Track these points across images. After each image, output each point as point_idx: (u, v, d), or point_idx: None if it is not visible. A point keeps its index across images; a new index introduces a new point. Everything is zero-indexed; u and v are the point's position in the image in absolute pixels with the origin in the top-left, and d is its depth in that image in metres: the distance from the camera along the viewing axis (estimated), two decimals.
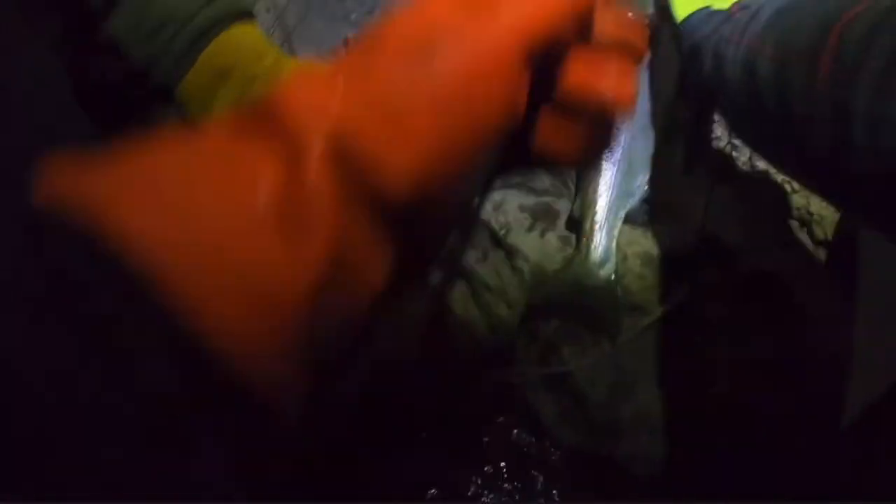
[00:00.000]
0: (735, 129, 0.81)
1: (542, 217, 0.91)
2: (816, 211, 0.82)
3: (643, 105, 0.86)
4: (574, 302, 0.87)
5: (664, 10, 0.82)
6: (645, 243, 0.87)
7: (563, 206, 0.91)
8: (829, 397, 0.76)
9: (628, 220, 0.87)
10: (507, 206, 0.92)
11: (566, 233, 0.89)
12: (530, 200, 0.92)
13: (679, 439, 0.87)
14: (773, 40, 0.55)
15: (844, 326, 0.72)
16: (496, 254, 0.93)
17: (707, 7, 0.75)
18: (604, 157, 0.85)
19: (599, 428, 0.90)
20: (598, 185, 0.86)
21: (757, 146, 0.71)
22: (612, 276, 0.85)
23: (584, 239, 0.86)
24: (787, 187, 0.86)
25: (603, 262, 0.85)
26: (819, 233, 0.82)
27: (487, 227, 0.94)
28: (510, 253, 0.91)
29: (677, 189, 0.88)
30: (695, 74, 0.75)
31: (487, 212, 0.94)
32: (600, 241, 0.85)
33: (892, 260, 0.70)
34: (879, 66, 0.41)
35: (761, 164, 0.88)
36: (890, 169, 0.41)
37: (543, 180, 0.92)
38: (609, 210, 0.86)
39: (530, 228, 0.91)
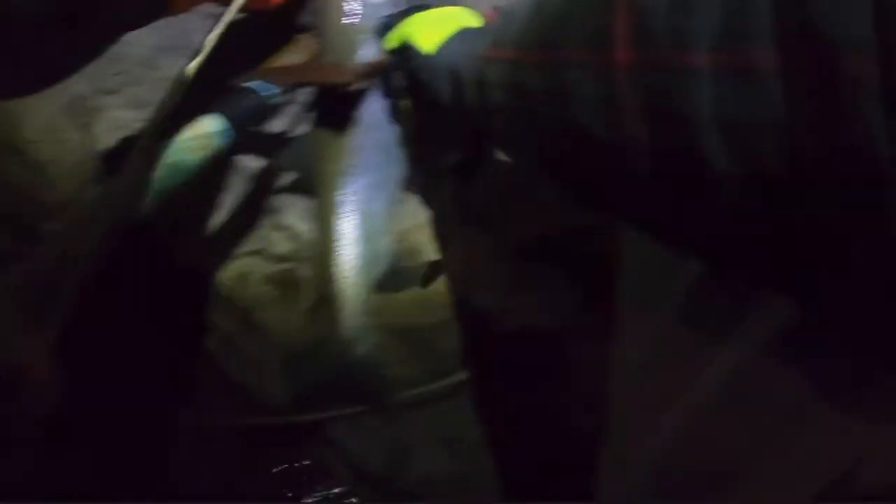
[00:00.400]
0: (522, 166, 0.67)
1: (286, 287, 0.83)
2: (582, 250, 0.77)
3: (377, 158, 0.78)
4: (338, 381, 0.80)
5: (403, 52, 0.70)
6: (396, 312, 0.81)
7: (306, 272, 0.83)
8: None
9: (379, 287, 0.79)
10: (250, 279, 0.83)
11: (311, 305, 0.81)
12: (272, 269, 0.84)
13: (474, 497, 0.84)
14: (536, 40, 0.39)
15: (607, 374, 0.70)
16: (248, 330, 0.85)
17: (465, 28, 0.60)
18: (337, 221, 0.77)
19: (392, 493, 0.85)
20: (338, 253, 0.77)
21: (557, 185, 0.50)
22: (371, 352, 0.78)
23: (333, 317, 0.77)
24: (547, 228, 0.79)
25: (358, 339, 0.77)
26: (586, 272, 0.77)
27: (233, 302, 0.84)
28: (259, 329, 0.83)
29: (470, 258, 0.81)
30: (456, 109, 0.58)
31: (231, 285, 0.85)
32: (351, 316, 0.77)
33: (649, 304, 0.66)
34: (719, 34, 0.25)
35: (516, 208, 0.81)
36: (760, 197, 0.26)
37: (283, 245, 0.83)
38: (355, 280, 0.77)
39: (275, 301, 0.82)
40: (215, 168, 0.72)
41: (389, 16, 0.72)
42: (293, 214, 0.82)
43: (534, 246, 0.76)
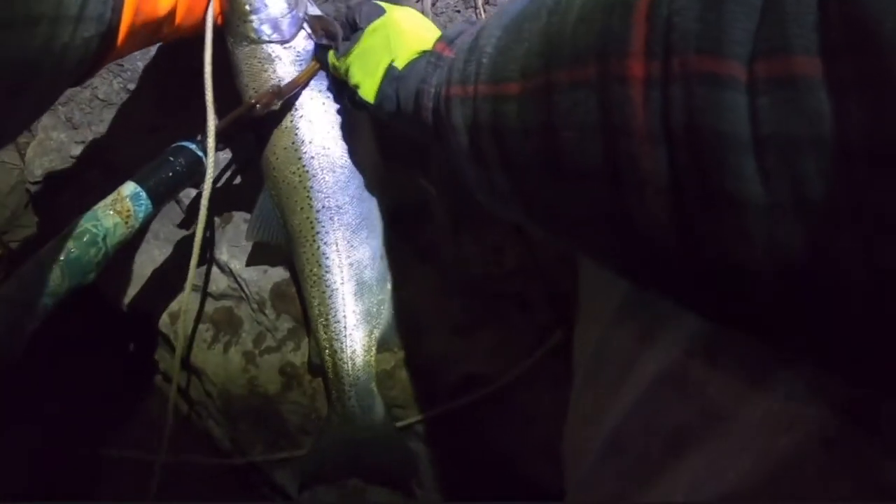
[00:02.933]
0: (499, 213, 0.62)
1: (224, 327, 0.76)
2: (532, 295, 0.71)
3: (344, 197, 0.68)
4: (357, 462, 0.72)
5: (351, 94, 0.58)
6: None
7: (245, 312, 0.77)
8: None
9: (381, 346, 0.71)
10: (186, 316, 0.77)
11: (250, 347, 0.75)
12: (209, 307, 0.77)
13: None
14: (520, 67, 0.33)
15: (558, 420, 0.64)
16: (183, 373, 0.78)
17: (391, 68, 0.52)
18: (322, 276, 0.68)
19: None
20: (328, 312, 0.69)
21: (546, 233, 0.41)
22: (384, 417, 0.70)
23: (334, 391, 0.70)
24: (496, 269, 0.72)
25: (368, 408, 0.70)
26: (542, 318, 0.70)
27: (168, 341, 0.78)
28: (197, 374, 0.77)
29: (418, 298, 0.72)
30: (413, 151, 0.57)
31: (165, 323, 0.79)
32: (354, 383, 0.69)
33: (605, 348, 0.60)
34: (757, 39, 0.22)
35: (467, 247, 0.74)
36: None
37: (219, 282, 0.77)
38: (352, 342, 0.69)
39: (213, 342, 0.76)
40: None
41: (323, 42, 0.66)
42: (227, 251, 0.76)
43: (485, 284, 0.70)
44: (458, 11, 0.80)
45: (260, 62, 0.68)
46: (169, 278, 0.78)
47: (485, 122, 0.36)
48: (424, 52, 0.49)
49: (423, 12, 0.74)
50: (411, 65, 0.50)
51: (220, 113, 0.68)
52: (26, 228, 0.99)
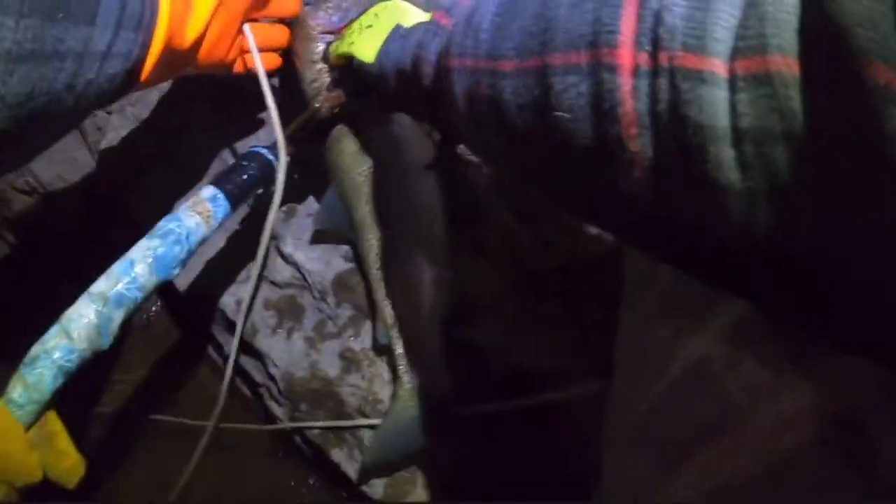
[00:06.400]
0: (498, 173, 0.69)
1: (287, 314, 0.82)
2: (578, 288, 0.75)
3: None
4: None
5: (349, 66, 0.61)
6: None
7: (307, 301, 0.82)
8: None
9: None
10: (250, 305, 0.83)
11: (311, 333, 0.80)
12: (273, 295, 0.83)
13: None
14: (515, 46, 0.34)
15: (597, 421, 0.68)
16: (248, 358, 0.84)
17: (397, 27, 0.53)
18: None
19: None
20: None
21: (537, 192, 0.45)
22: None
23: (401, 365, 0.73)
24: (548, 264, 0.76)
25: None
26: (587, 316, 0.74)
27: (235, 327, 0.84)
28: (259, 357, 0.83)
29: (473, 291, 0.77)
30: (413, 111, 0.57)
31: (232, 309, 0.84)
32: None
33: (643, 342, 0.64)
34: (738, 36, 0.24)
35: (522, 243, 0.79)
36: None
37: (283, 272, 0.82)
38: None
39: (276, 328, 0.81)
40: None
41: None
42: (292, 244, 0.81)
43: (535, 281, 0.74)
44: None
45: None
46: (228, 266, 0.84)
47: (483, 93, 0.38)
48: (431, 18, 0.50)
49: None
50: (415, 27, 0.51)
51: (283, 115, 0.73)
52: None
